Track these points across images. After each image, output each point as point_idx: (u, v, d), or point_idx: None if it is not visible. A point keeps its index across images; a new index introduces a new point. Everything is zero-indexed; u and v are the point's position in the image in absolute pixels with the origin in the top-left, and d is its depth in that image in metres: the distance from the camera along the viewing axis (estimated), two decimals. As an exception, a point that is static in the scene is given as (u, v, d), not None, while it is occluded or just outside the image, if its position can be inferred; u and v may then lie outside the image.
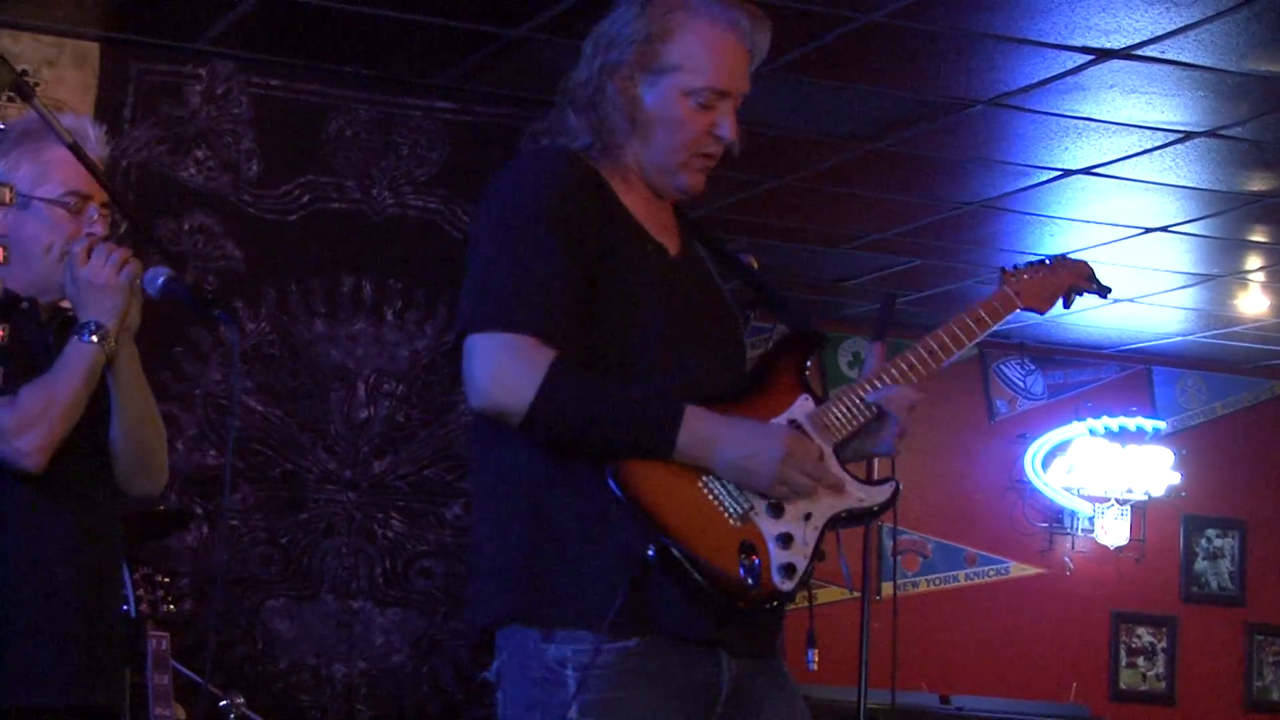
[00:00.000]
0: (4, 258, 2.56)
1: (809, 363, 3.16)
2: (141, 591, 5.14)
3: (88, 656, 3.44)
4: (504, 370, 2.90)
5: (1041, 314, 3.42)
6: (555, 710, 2.91)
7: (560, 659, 2.93)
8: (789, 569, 2.97)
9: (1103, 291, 3.53)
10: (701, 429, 2.92)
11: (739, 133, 3.09)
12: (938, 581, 10.83)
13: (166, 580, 5.26)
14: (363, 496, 6.59)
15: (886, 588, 10.10)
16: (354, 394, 6.60)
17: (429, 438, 6.67)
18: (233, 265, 6.49)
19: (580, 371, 2.92)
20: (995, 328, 3.31)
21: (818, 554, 3.02)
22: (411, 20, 6.11)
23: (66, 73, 6.30)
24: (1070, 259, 3.48)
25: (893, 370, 3.15)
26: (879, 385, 3.12)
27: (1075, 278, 3.47)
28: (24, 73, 6.12)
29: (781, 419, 3.06)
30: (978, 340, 3.28)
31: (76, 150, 3.18)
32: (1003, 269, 3.39)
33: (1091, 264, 3.48)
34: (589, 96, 3.10)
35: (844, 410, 3.10)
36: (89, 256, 3.37)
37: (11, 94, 2.72)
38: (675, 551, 2.89)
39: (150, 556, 5.79)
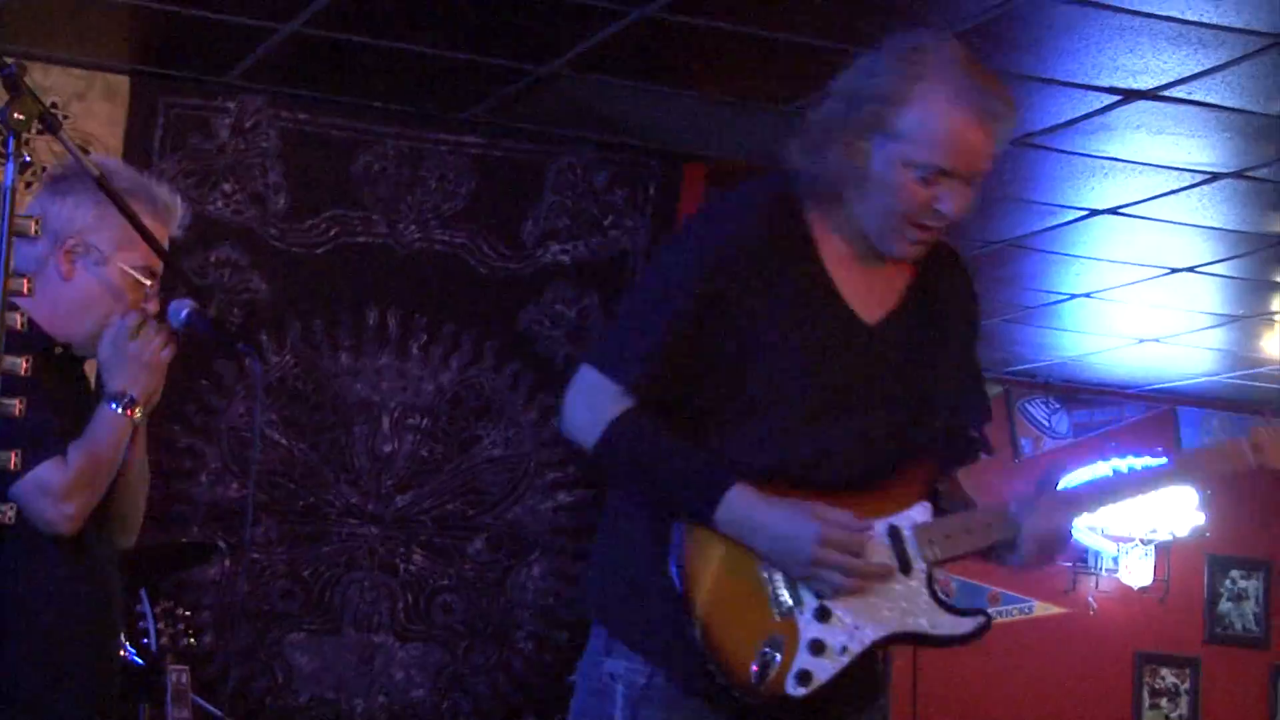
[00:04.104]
0: (29, 289, 2.57)
1: (947, 471, 3.08)
2: (162, 625, 5.14)
3: (99, 700, 3.49)
4: (582, 407, 3.00)
5: None
6: None
7: (614, 673, 3.00)
8: (805, 676, 2.92)
9: None
10: (741, 507, 2.90)
11: (965, 206, 2.98)
12: (961, 620, 10.77)
13: (187, 614, 5.26)
14: (385, 530, 6.59)
15: (909, 626, 10.06)
16: (378, 428, 6.60)
17: (453, 472, 6.67)
18: (258, 298, 6.50)
19: (649, 425, 2.95)
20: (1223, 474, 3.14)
21: (858, 666, 2.95)
22: (440, 55, 6.12)
23: (96, 106, 6.32)
24: None
25: (1055, 503, 3.07)
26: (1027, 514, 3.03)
27: None
28: (53, 105, 6.14)
29: (884, 521, 2.99)
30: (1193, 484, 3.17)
31: (136, 221, 3.30)
32: (1253, 427, 3.15)
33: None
34: (819, 140, 3.02)
35: (964, 531, 3.03)
36: (138, 333, 3.42)
37: (40, 127, 2.73)
38: (690, 630, 2.90)
39: (171, 589, 5.80)
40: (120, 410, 3.39)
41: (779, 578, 2.94)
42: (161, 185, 3.55)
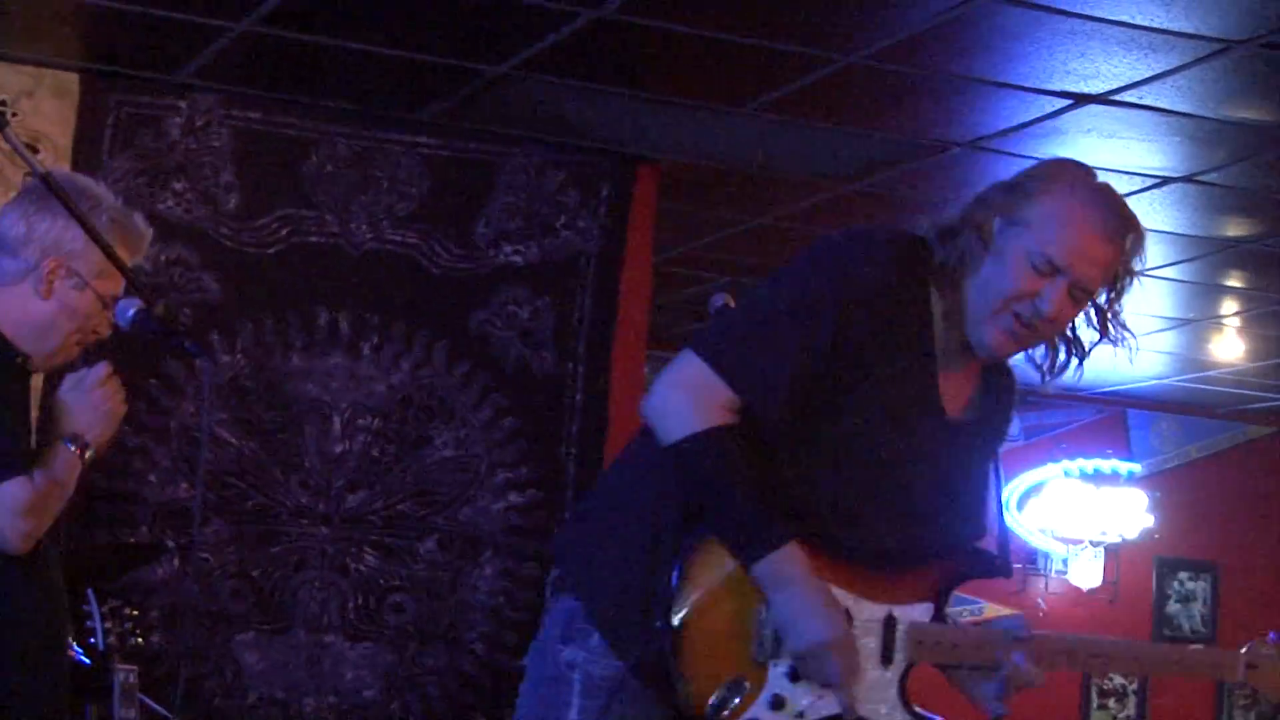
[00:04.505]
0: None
1: (963, 580, 3.10)
2: (110, 624, 5.12)
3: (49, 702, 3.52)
4: (679, 399, 2.98)
5: (1274, 702, 3.26)
6: (557, 709, 3.02)
7: (571, 662, 3.03)
8: None
9: None
10: (784, 567, 2.92)
11: (1062, 315, 3.09)
12: (911, 622, 10.79)
13: (136, 613, 5.25)
14: (336, 531, 6.57)
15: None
16: (329, 428, 6.58)
17: (403, 472, 6.65)
18: (209, 298, 6.47)
19: (736, 450, 2.94)
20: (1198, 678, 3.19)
21: None
22: (393, 56, 6.11)
23: (45, 104, 6.29)
24: None
25: (1044, 648, 3.09)
26: (1017, 648, 3.06)
27: None
28: (2, 103, 6.11)
29: (883, 609, 3.02)
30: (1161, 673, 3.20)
31: (109, 252, 3.41)
32: (1259, 638, 3.23)
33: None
34: (953, 223, 3.10)
35: (953, 644, 3.06)
36: (104, 383, 3.54)
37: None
38: (664, 634, 2.92)
39: (120, 589, 5.77)
40: (74, 450, 3.49)
41: (769, 622, 2.95)
42: (137, 214, 3.62)
